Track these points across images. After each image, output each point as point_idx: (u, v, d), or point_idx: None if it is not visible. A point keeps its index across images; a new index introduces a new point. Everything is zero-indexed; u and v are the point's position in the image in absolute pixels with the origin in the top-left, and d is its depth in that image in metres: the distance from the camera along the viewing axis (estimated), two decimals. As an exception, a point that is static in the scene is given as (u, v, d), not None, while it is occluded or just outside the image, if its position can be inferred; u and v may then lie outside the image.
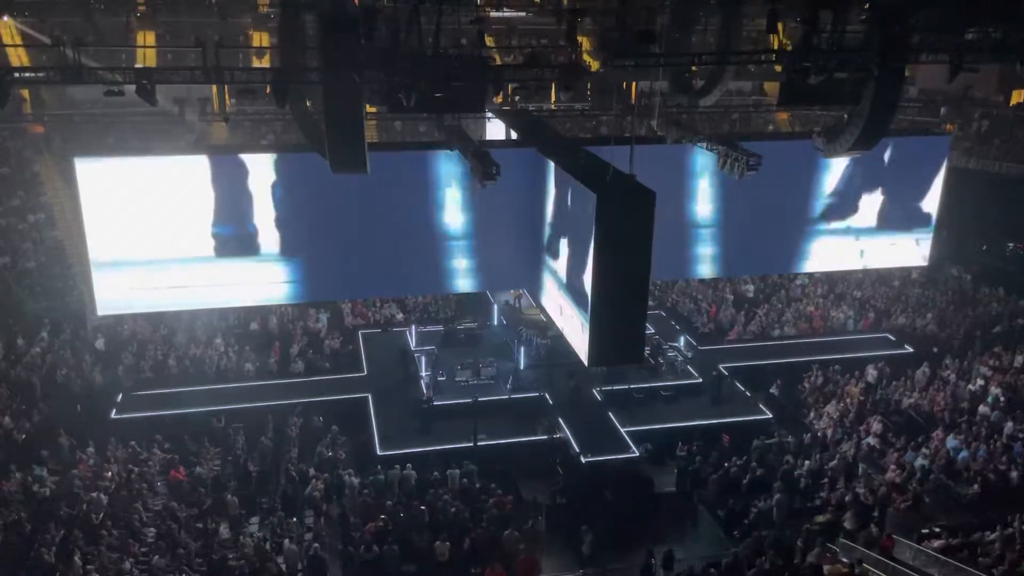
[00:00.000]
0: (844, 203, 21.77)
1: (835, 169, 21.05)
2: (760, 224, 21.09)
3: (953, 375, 24.25)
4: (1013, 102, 35.77)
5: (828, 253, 22.14)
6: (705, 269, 22.26)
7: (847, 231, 21.96)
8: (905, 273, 30.04)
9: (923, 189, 22.05)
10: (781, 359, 25.65)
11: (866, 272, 29.04)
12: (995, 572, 16.35)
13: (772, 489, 19.40)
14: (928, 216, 22.24)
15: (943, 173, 21.95)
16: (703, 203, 20.58)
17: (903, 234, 22.32)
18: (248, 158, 18.82)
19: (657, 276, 16.79)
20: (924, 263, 23.69)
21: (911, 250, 22.59)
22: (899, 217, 22.17)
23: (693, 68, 18.88)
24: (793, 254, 22.02)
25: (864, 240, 22.16)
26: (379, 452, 20.58)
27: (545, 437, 21.24)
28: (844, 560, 16.90)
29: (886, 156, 21.13)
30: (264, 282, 19.35)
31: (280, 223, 18.89)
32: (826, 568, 16.69)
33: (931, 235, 22.42)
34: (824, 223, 21.79)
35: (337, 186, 18.52)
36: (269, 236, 18.92)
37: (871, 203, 21.87)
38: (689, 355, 25.20)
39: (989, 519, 18.35)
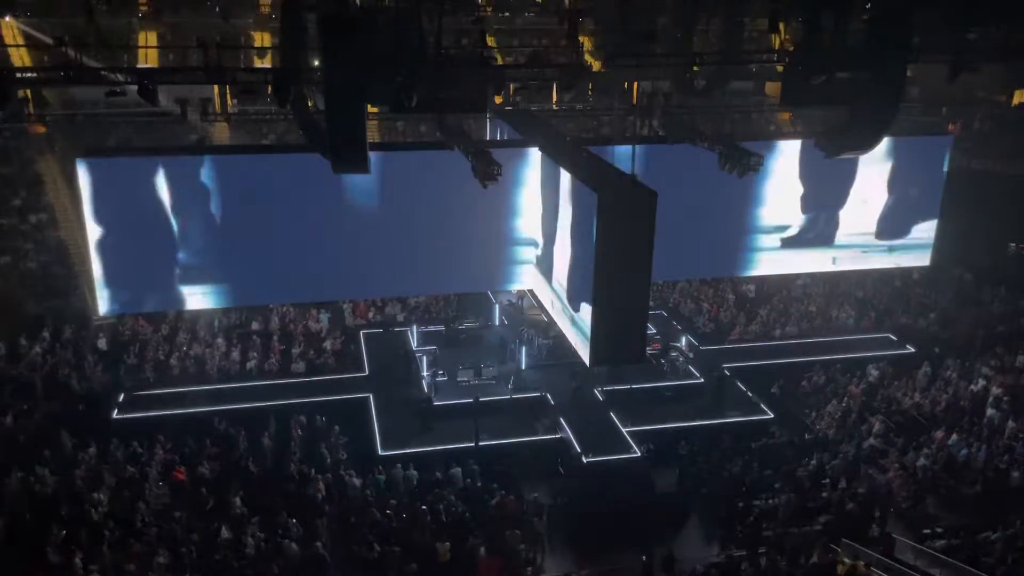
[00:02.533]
0: (825, 205, 21.91)
1: (826, 170, 21.09)
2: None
3: (955, 375, 24.24)
4: (1015, 102, 35.68)
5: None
6: (699, 270, 22.43)
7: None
8: (907, 273, 30.03)
9: (914, 192, 22.12)
10: (782, 359, 25.65)
11: (867, 272, 29.04)
12: (997, 572, 16.34)
13: (773, 489, 19.41)
14: (911, 220, 22.36)
15: (943, 174, 21.99)
16: (700, 203, 20.64)
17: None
18: (248, 158, 18.86)
19: (657, 277, 16.87)
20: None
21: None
22: (884, 220, 22.28)
23: (695, 68, 18.88)
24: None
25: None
26: (380, 452, 20.59)
27: (546, 437, 21.27)
28: (846, 560, 16.89)
29: (881, 157, 21.18)
30: (264, 282, 19.39)
31: (281, 223, 18.91)
32: (827, 568, 16.70)
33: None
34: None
35: (336, 186, 18.59)
36: (269, 235, 18.93)
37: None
38: (691, 355, 25.18)
39: (991, 519, 18.35)
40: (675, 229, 16.59)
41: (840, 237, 22.19)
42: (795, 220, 21.76)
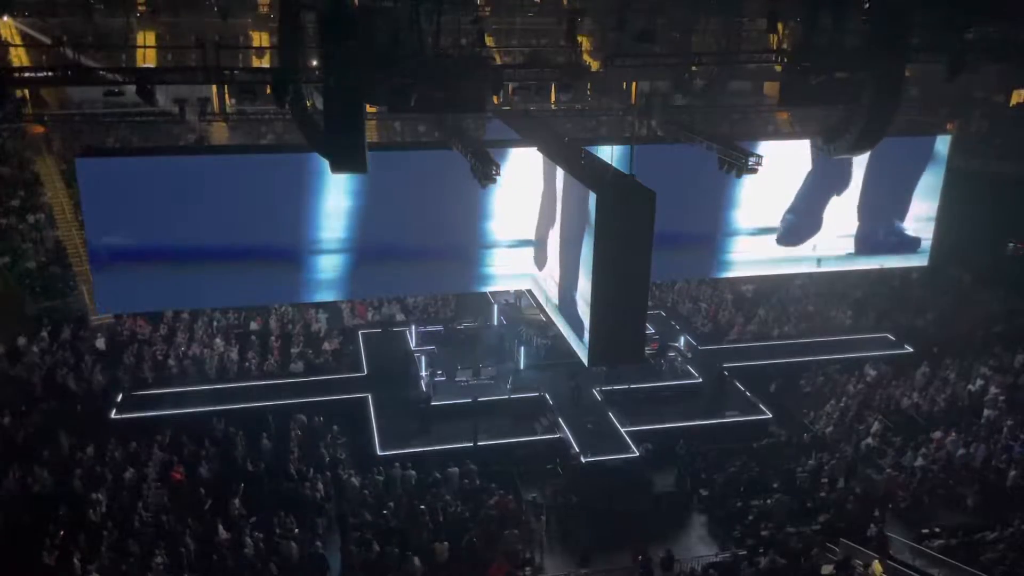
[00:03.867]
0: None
1: (821, 170, 21.11)
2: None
3: (953, 375, 24.25)
4: (1013, 102, 35.70)
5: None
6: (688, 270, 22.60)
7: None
8: (905, 273, 30.04)
9: (912, 192, 22.13)
10: (781, 359, 25.64)
11: (865, 272, 29.06)
12: (995, 572, 16.35)
13: (772, 489, 19.42)
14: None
15: (942, 174, 21.99)
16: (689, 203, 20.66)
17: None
18: (246, 158, 18.86)
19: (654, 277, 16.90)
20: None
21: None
22: (881, 220, 22.29)
23: (693, 68, 18.89)
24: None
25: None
26: (379, 452, 20.57)
27: (545, 437, 21.29)
28: (844, 560, 16.90)
29: (879, 157, 21.17)
30: (262, 281, 19.38)
31: (278, 222, 18.91)
32: (825, 568, 16.71)
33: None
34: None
35: (334, 186, 18.59)
36: (266, 235, 18.92)
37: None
38: (689, 355, 25.18)
39: (989, 519, 18.36)
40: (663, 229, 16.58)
41: (834, 237, 22.20)
42: (788, 219, 21.75)
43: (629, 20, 18.85)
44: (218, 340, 24.97)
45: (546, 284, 19.93)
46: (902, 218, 22.31)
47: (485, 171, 15.86)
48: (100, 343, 24.47)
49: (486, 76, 15.32)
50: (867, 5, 15.93)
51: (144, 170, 18.14)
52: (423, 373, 23.37)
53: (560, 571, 17.49)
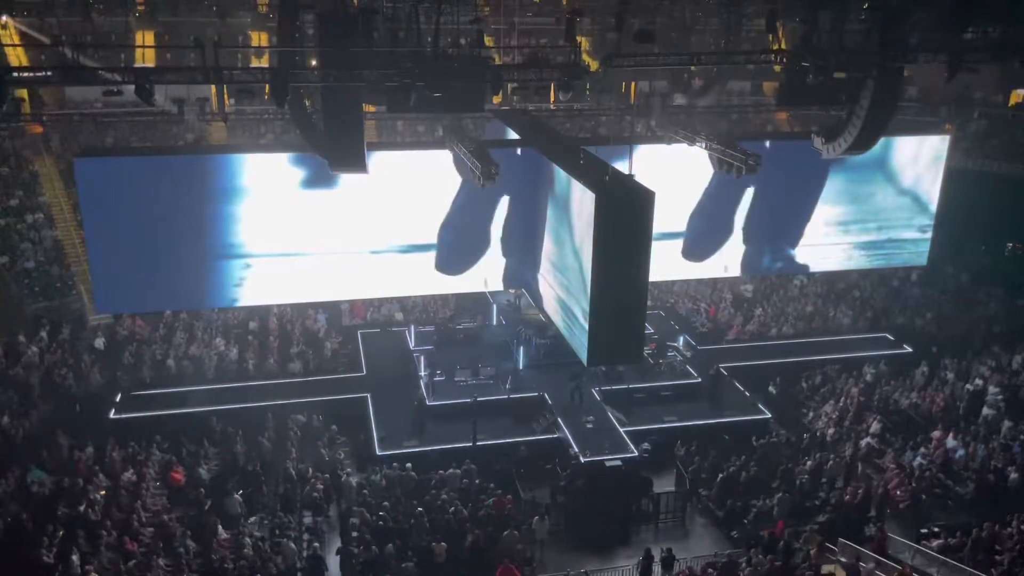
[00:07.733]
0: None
1: (820, 171, 21.13)
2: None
3: (952, 375, 24.27)
4: (1012, 102, 35.75)
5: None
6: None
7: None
8: (904, 273, 30.08)
9: (911, 192, 22.14)
10: (780, 359, 25.65)
11: (864, 272, 29.08)
12: (994, 572, 16.37)
13: (771, 489, 19.42)
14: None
15: (940, 174, 22.01)
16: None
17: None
18: (245, 158, 18.86)
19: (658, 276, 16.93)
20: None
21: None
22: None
23: (692, 68, 18.93)
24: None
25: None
26: (378, 452, 20.56)
27: (544, 437, 21.29)
28: (842, 560, 16.91)
29: (878, 157, 21.19)
30: (260, 281, 19.37)
31: (277, 222, 18.91)
32: (824, 568, 16.71)
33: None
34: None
35: (334, 186, 18.57)
36: (264, 235, 18.93)
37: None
38: (688, 355, 25.18)
39: (987, 518, 18.36)
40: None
41: (833, 236, 22.22)
42: (788, 216, 21.78)
43: (628, 20, 18.88)
44: (217, 340, 24.96)
45: (541, 285, 19.94)
46: (903, 216, 22.36)
47: (485, 171, 15.88)
48: (99, 343, 24.44)
49: (485, 76, 15.32)
50: (866, 5, 15.96)
51: (143, 170, 18.15)
52: (422, 373, 23.35)
53: (560, 571, 17.48)
